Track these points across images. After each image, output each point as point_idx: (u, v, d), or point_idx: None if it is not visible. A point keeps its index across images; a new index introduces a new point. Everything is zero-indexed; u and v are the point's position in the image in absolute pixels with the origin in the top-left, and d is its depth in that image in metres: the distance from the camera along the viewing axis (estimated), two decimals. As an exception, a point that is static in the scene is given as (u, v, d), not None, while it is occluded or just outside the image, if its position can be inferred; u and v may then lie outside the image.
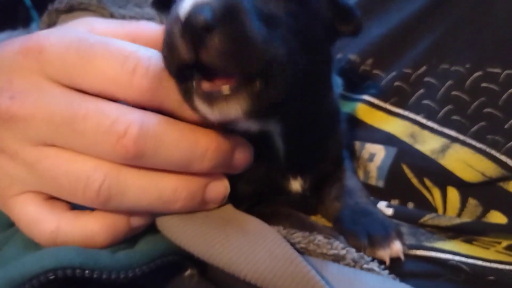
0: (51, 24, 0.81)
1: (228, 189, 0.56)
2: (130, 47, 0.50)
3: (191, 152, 0.51)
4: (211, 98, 0.47)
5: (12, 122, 0.48)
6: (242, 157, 0.56)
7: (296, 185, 0.66)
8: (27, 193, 0.51)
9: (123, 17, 0.72)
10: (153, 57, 0.50)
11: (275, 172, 0.64)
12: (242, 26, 0.45)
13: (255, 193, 0.65)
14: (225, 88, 0.47)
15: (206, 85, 0.47)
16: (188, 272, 0.52)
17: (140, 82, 0.49)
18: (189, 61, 0.45)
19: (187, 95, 0.49)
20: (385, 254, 0.55)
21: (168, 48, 0.47)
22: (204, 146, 0.51)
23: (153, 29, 0.58)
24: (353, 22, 0.61)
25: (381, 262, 0.54)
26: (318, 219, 0.68)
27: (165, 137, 0.49)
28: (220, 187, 0.55)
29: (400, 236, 0.57)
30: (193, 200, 0.52)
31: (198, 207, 0.54)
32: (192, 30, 0.44)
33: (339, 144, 0.73)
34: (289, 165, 0.64)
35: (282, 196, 0.66)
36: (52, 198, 0.51)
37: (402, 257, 0.55)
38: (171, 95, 0.50)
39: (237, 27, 0.45)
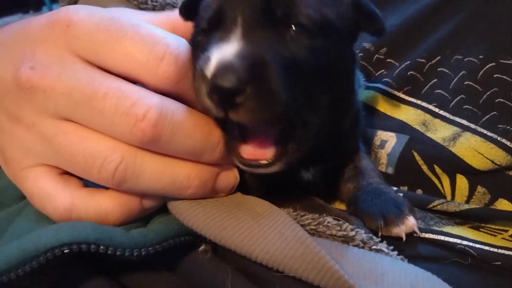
0: (71, 3, 0.81)
1: (238, 180, 0.57)
2: (160, 32, 0.50)
3: (204, 143, 0.51)
4: (251, 166, 0.52)
5: (31, 92, 0.48)
6: None
7: (307, 175, 0.66)
8: (40, 166, 0.51)
9: (145, 0, 0.72)
10: (182, 46, 0.50)
11: None
12: (268, 86, 0.47)
13: (265, 184, 0.64)
14: (264, 160, 0.51)
15: (245, 153, 0.52)
16: (202, 248, 0.52)
17: (167, 69, 0.49)
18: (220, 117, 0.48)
19: (229, 152, 0.53)
20: (400, 231, 0.55)
21: (200, 102, 0.49)
22: (217, 138, 0.52)
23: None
24: (376, 24, 0.60)
25: (397, 239, 0.55)
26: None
27: (181, 125, 0.49)
28: (230, 177, 0.56)
29: (413, 212, 0.57)
30: (204, 188, 0.53)
31: (208, 195, 0.54)
32: (219, 93, 0.46)
33: (356, 141, 0.72)
34: (302, 162, 0.63)
35: (293, 185, 0.65)
36: (65, 173, 0.52)
37: (418, 231, 0.56)
38: None
39: (263, 88, 0.47)
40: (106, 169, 0.48)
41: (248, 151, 0.52)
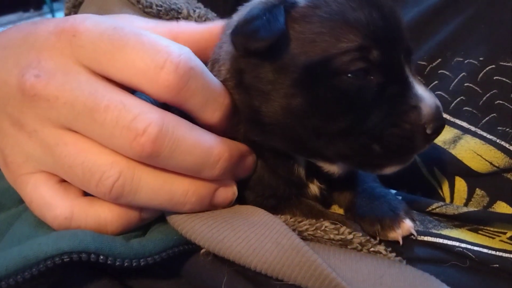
0: (76, 4, 0.80)
1: (236, 195, 0.56)
2: (162, 41, 0.49)
3: (204, 159, 0.50)
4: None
5: (35, 100, 0.48)
6: (248, 165, 0.57)
7: (314, 188, 0.64)
8: (40, 172, 0.50)
9: (150, 4, 0.72)
10: (184, 54, 0.49)
11: (292, 180, 0.63)
12: None
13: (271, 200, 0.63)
14: None
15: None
16: (203, 250, 0.51)
17: (167, 78, 0.47)
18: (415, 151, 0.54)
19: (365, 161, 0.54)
20: (396, 235, 0.54)
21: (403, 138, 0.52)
22: (217, 155, 0.51)
23: (194, 29, 0.58)
24: None
25: (396, 242, 0.54)
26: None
27: (182, 142, 0.48)
28: (228, 193, 0.55)
29: (409, 214, 0.56)
30: (201, 204, 0.52)
31: (205, 210, 0.53)
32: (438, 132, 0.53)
33: None
34: (307, 173, 0.63)
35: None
36: (65, 180, 0.51)
37: (415, 233, 0.55)
38: (195, 96, 0.50)
39: None
40: (104, 184, 0.47)
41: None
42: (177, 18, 0.68)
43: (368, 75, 0.51)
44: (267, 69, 0.53)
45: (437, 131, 0.52)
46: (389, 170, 0.55)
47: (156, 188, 0.49)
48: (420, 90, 0.53)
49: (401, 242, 0.54)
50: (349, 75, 0.50)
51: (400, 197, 0.61)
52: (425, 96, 0.52)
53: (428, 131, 0.51)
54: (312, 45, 0.51)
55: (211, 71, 0.55)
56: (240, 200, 0.59)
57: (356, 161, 0.54)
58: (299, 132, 0.53)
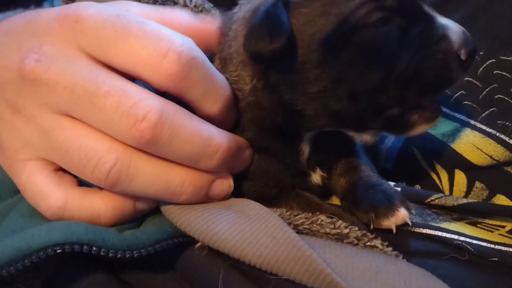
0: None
1: (232, 188, 0.55)
2: (165, 30, 0.48)
3: (202, 149, 0.49)
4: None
5: (34, 85, 0.47)
6: (245, 158, 0.57)
7: (316, 177, 0.63)
8: (36, 160, 0.50)
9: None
10: (186, 44, 0.48)
11: (297, 169, 0.62)
12: None
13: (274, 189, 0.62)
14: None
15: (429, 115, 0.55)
16: (198, 244, 0.50)
17: (170, 66, 0.47)
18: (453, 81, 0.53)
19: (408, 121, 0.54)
20: (390, 223, 0.53)
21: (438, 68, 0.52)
22: (216, 145, 0.50)
23: (187, 18, 0.57)
24: None
25: (391, 231, 0.53)
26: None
27: (181, 130, 0.47)
28: (224, 185, 0.54)
29: (405, 203, 0.54)
30: (197, 195, 0.51)
31: (201, 201, 0.52)
32: (473, 56, 0.52)
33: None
34: (309, 162, 0.62)
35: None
36: (60, 169, 0.50)
37: (409, 222, 0.53)
38: (197, 86, 0.49)
39: None
40: (100, 170, 0.46)
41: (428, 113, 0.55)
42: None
43: (389, 22, 0.51)
44: (289, 61, 0.52)
45: (471, 56, 0.51)
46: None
47: (153, 176, 0.48)
48: (444, 20, 0.52)
49: (394, 231, 0.53)
50: (371, 27, 0.49)
51: (399, 189, 0.60)
52: (450, 24, 0.52)
53: (463, 57, 0.51)
54: (324, 17, 0.50)
55: (221, 69, 0.54)
56: (240, 193, 0.58)
57: (395, 117, 0.54)
58: (336, 105, 0.52)
